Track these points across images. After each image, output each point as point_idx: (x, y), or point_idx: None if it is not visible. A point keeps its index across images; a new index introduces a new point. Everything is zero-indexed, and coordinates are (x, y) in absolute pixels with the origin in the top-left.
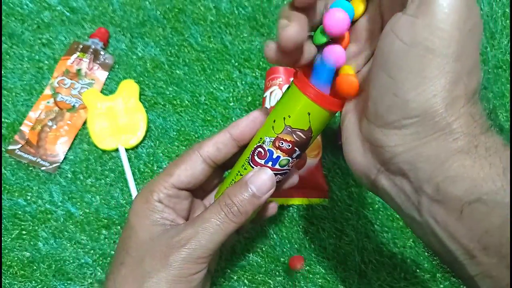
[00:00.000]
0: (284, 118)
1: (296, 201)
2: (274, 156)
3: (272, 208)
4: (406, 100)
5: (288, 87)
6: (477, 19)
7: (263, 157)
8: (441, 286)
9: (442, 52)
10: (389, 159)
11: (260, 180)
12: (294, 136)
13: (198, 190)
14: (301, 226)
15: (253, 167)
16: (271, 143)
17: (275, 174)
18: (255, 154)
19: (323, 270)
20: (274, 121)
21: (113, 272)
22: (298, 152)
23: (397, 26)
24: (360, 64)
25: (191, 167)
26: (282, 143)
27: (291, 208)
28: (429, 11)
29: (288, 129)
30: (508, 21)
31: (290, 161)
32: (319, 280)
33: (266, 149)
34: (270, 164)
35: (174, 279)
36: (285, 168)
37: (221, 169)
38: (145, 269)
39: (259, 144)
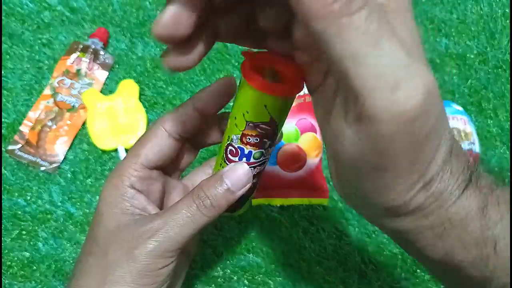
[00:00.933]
0: (244, 114)
1: (296, 201)
2: (246, 152)
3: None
4: (371, 203)
5: (240, 80)
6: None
7: (235, 155)
8: (441, 286)
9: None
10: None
11: (236, 175)
12: (258, 129)
13: (171, 168)
14: (301, 226)
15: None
16: (239, 140)
17: (254, 167)
18: (228, 153)
19: (323, 270)
20: (235, 118)
21: (81, 260)
22: (269, 142)
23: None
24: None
25: (158, 144)
26: (249, 138)
27: (291, 208)
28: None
29: (250, 124)
30: (508, 21)
31: (264, 152)
32: (319, 281)
33: (236, 146)
34: (244, 159)
35: (140, 273)
36: (261, 159)
37: (191, 144)
38: (110, 260)
39: (228, 142)
